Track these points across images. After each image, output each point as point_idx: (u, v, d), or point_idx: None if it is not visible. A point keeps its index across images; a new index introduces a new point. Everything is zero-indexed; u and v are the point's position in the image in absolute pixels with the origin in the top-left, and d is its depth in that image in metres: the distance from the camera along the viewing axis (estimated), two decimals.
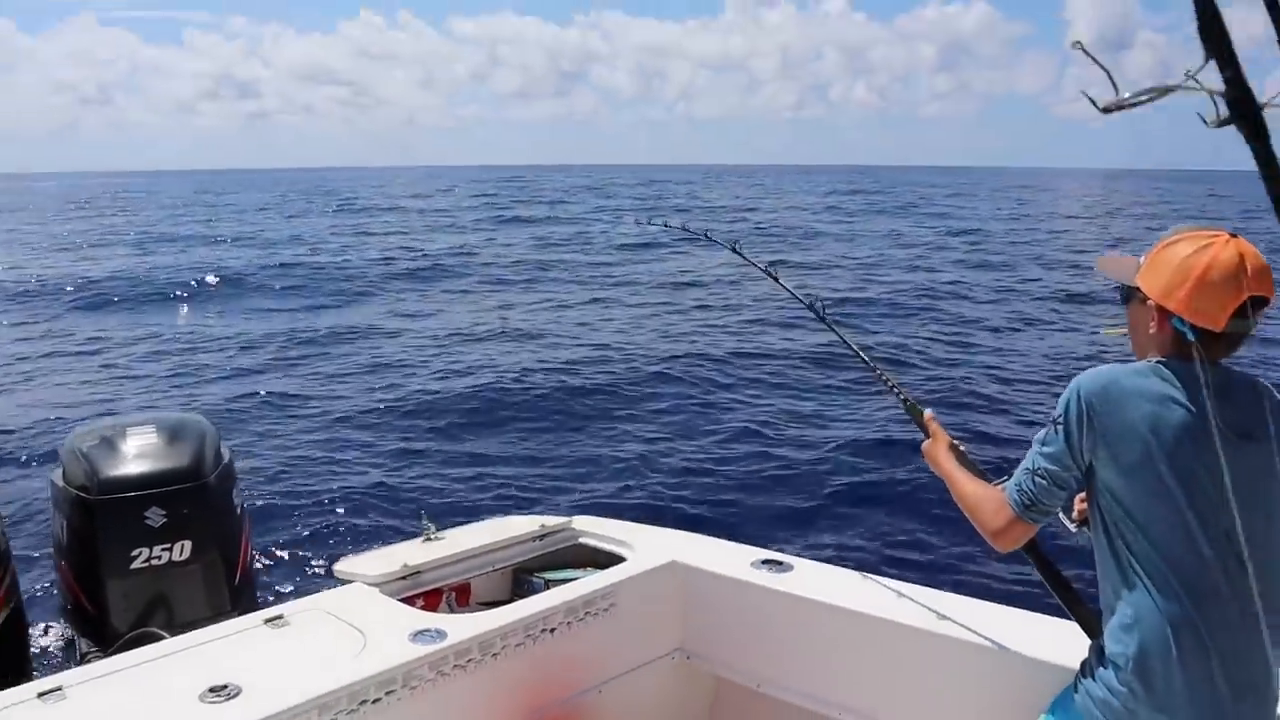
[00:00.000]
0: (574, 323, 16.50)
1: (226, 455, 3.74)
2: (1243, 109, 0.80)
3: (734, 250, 3.35)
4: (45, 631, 4.22)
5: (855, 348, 2.86)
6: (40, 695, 2.22)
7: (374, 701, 2.32)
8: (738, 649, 3.00)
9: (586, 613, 2.84)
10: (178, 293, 20.47)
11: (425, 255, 27.10)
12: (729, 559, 3.09)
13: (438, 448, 9.54)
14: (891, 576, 2.87)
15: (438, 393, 11.61)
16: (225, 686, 2.23)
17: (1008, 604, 2.69)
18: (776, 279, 3.20)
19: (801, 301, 3.06)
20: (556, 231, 35.21)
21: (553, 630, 2.75)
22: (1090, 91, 0.94)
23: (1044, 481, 1.93)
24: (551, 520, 3.43)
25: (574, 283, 21.76)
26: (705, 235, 3.63)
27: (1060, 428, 1.91)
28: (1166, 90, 0.87)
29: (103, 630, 3.25)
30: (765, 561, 3.03)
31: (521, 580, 3.29)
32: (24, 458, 8.61)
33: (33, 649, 3.49)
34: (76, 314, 18.29)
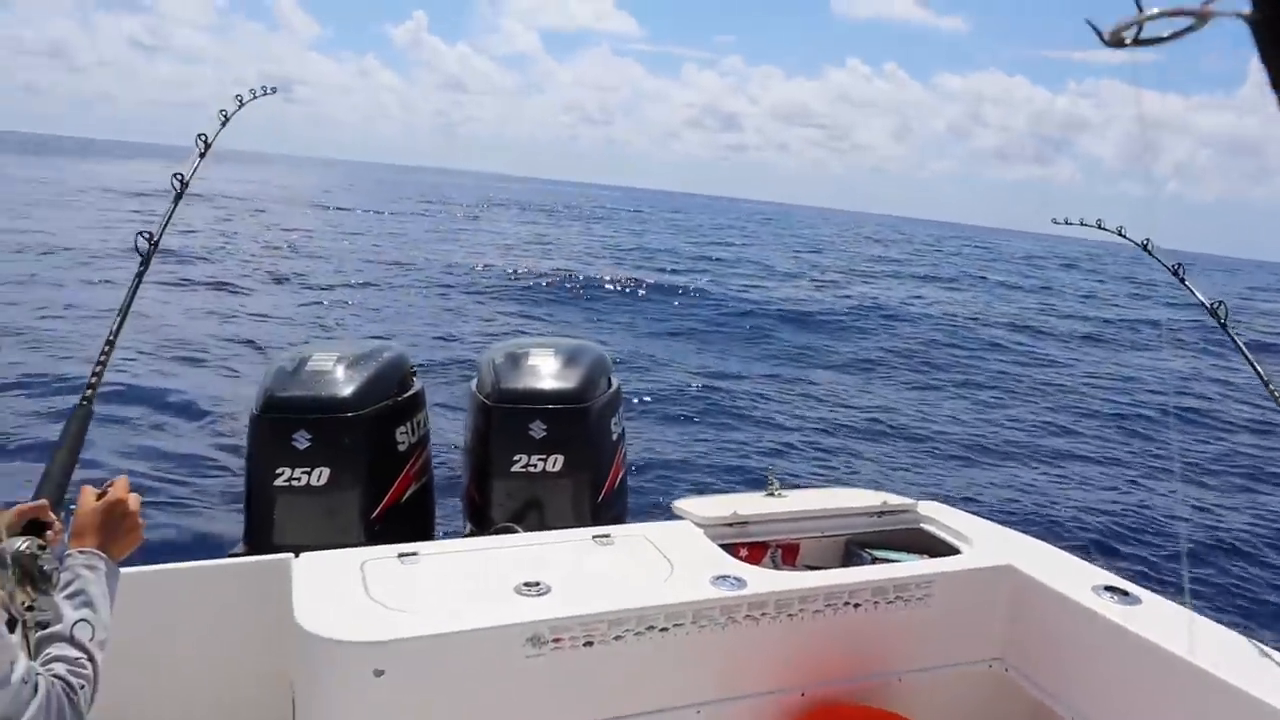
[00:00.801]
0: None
1: (614, 384, 4.08)
2: None
3: (1144, 248, 3.20)
4: (446, 508, 4.98)
5: (1251, 360, 2.53)
6: (400, 555, 2.63)
7: (660, 630, 2.47)
8: (1064, 676, 2.77)
9: (898, 596, 2.78)
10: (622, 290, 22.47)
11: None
12: (1070, 576, 2.86)
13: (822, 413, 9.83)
14: (1252, 635, 2.49)
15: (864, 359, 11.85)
16: (538, 583, 2.50)
17: None
18: (1183, 280, 3.04)
19: (1204, 305, 2.83)
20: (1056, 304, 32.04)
21: (857, 605, 2.72)
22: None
23: None
24: (896, 499, 3.38)
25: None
26: (1119, 231, 3.38)
27: None
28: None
29: (482, 517, 3.74)
30: (1109, 588, 2.76)
31: (852, 552, 3.28)
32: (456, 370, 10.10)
33: (437, 519, 4.05)
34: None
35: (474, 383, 3.94)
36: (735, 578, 2.63)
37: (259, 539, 3.51)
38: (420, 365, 4.10)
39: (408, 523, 3.68)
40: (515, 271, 23.87)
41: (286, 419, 3.45)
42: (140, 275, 2.47)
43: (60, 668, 1.47)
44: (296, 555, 2.63)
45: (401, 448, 3.69)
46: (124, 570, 2.71)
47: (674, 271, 28.54)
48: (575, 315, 17.13)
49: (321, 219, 41.05)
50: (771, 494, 3.41)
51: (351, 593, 2.42)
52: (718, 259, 34.95)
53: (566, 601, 2.43)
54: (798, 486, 3.65)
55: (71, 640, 1.53)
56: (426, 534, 3.87)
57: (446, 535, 4.13)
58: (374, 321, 15.59)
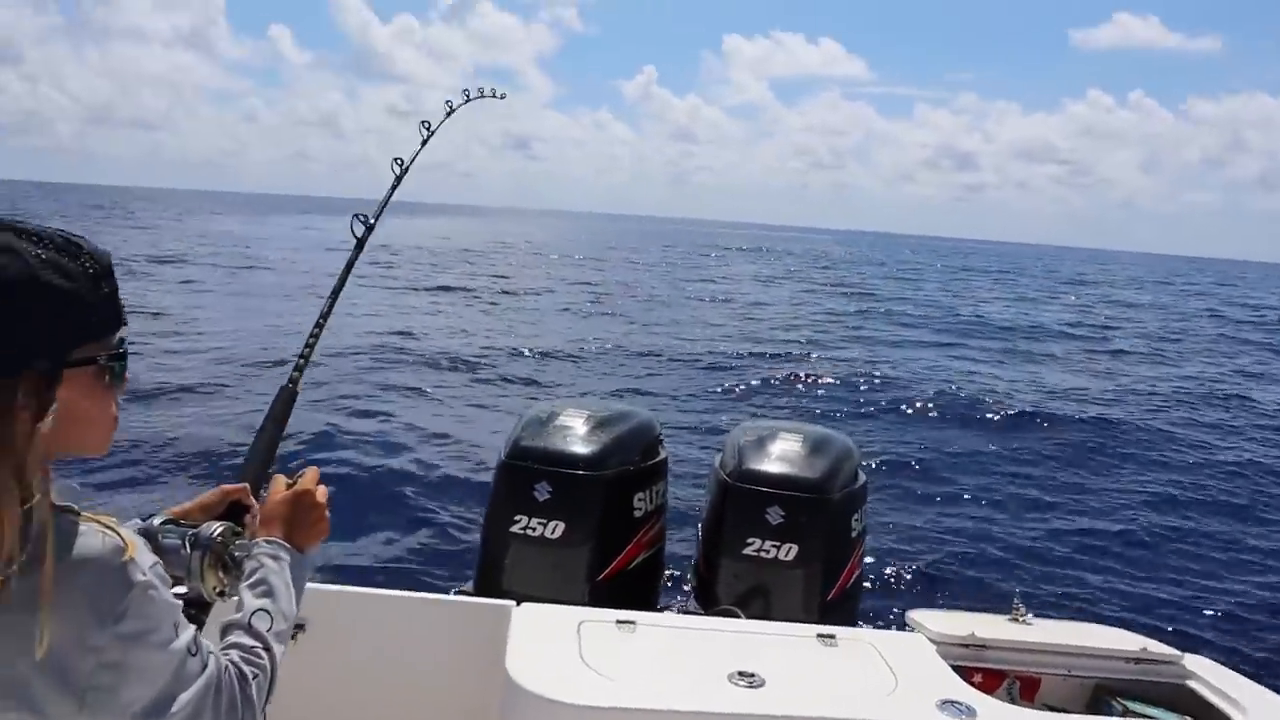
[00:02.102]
0: None
1: (861, 479, 3.94)
2: None
3: None
4: (672, 579, 4.98)
5: None
6: (618, 622, 2.63)
7: None
8: None
9: None
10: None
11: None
12: None
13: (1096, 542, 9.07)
14: None
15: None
16: (753, 675, 2.42)
17: None
18: None
19: None
20: None
21: None
22: None
23: None
24: (1158, 647, 3.03)
25: None
26: None
27: None
28: None
29: (707, 594, 3.68)
30: None
31: (1101, 700, 2.97)
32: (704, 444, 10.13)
33: (662, 589, 4.04)
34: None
35: (719, 458, 3.92)
36: (966, 705, 2.44)
37: (486, 580, 3.62)
38: (667, 433, 4.12)
39: (633, 589, 3.69)
40: (765, 339, 23.63)
41: (531, 469, 3.55)
42: (354, 257, 2.45)
43: (235, 654, 1.44)
44: (518, 603, 2.67)
45: (638, 513, 3.71)
46: (355, 590, 2.84)
47: (934, 331, 27.14)
48: (829, 397, 16.80)
49: (568, 271, 42.65)
50: (1016, 619, 3.16)
51: (565, 652, 2.44)
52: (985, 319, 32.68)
53: (780, 700, 2.33)
54: (1045, 615, 3.37)
55: (249, 629, 1.49)
56: (649, 603, 3.86)
57: (668, 607, 4.12)
58: (625, 378, 15.98)
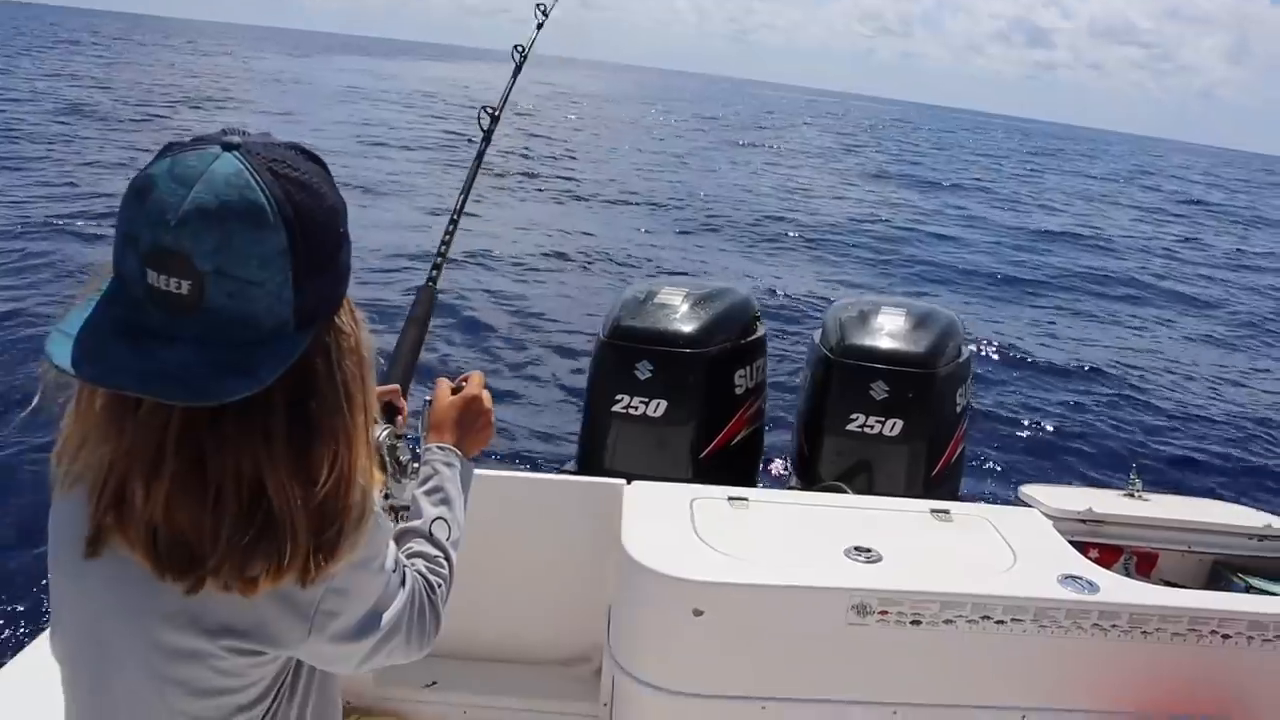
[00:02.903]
0: None
1: (964, 354, 3.85)
2: None
3: None
4: (772, 458, 4.97)
5: None
6: (730, 499, 2.62)
7: (997, 622, 2.29)
8: None
9: (1277, 636, 2.42)
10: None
11: None
12: None
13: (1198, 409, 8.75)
14: None
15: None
16: (870, 550, 2.40)
17: None
18: None
19: None
20: None
21: (1226, 637, 2.39)
22: None
23: None
24: None
25: None
26: None
27: None
28: None
29: (809, 472, 3.67)
30: None
31: (1220, 574, 2.91)
32: (800, 319, 9.95)
33: (763, 465, 4.04)
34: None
35: (818, 334, 3.85)
36: (1087, 580, 2.39)
37: (590, 460, 3.64)
38: (764, 310, 4.06)
39: (734, 466, 3.69)
40: (856, 216, 23.06)
41: (632, 347, 3.53)
42: (482, 150, 2.45)
43: (420, 564, 1.45)
44: (628, 482, 2.69)
45: (739, 390, 3.68)
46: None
47: (1044, 211, 26.06)
48: (922, 266, 16.36)
49: (642, 135, 41.46)
50: (1132, 494, 3.09)
51: (680, 528, 2.44)
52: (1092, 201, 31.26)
53: (898, 574, 2.32)
54: (1162, 491, 3.29)
55: (430, 538, 1.50)
56: (750, 480, 3.87)
57: (768, 485, 4.12)
58: (717, 255, 15.76)
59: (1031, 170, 47.30)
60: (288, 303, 1.03)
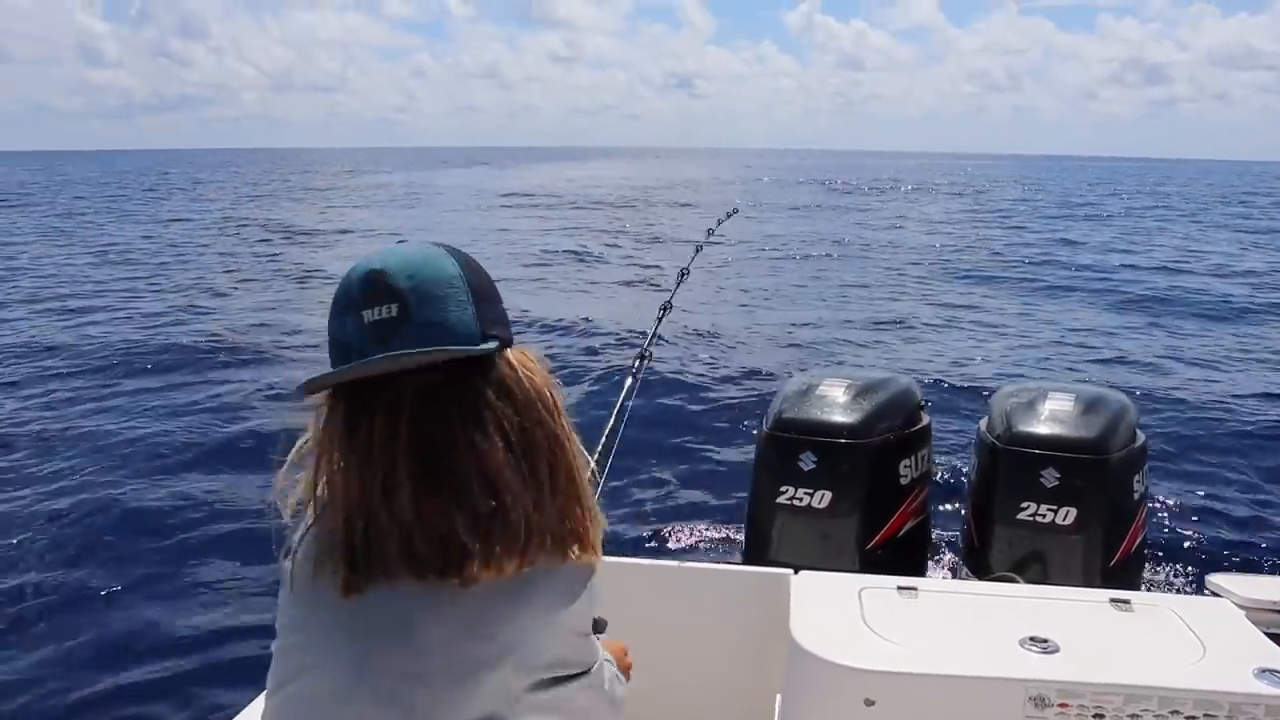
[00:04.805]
0: None
1: (1140, 438, 3.74)
2: None
3: None
4: (939, 549, 4.85)
5: None
6: (899, 588, 2.62)
7: (1187, 717, 2.21)
8: None
9: None
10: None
11: None
12: None
13: None
14: None
15: None
16: (1046, 640, 2.35)
17: None
18: None
19: None
20: None
21: None
22: None
23: None
24: None
25: None
26: None
27: None
28: None
29: (979, 562, 3.60)
30: None
31: None
32: (961, 408, 9.62)
33: (930, 559, 3.98)
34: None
35: (983, 422, 3.82)
36: None
37: (756, 551, 3.69)
38: (930, 400, 4.05)
39: (902, 557, 3.66)
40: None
41: (795, 439, 3.59)
42: (632, 388, 2.82)
43: (609, 666, 1.50)
44: (795, 572, 2.72)
45: (904, 481, 3.67)
46: (642, 562, 2.99)
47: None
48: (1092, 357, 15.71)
49: (773, 220, 40.95)
50: None
51: (849, 618, 2.46)
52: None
53: (1078, 665, 2.27)
54: None
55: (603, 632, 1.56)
56: (919, 571, 3.83)
57: (934, 570, 4.05)
58: (878, 344, 15.53)
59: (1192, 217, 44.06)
60: (472, 315, 1.23)
